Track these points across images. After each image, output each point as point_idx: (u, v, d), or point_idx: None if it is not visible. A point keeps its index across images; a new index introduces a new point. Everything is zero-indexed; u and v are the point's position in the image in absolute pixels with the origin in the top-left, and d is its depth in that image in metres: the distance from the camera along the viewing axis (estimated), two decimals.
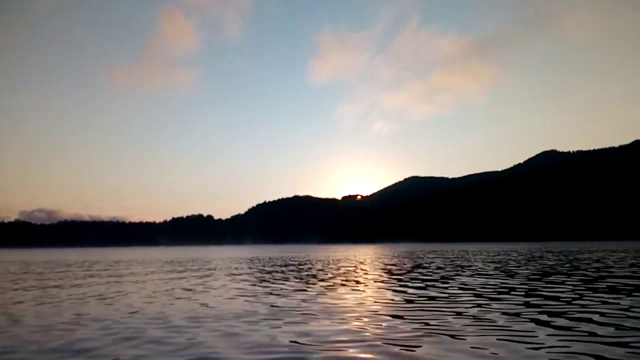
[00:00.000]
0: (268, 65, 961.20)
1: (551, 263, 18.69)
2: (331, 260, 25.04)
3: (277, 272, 15.83)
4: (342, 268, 17.50)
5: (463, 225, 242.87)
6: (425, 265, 18.80)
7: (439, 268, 16.37)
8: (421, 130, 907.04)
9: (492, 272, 13.65)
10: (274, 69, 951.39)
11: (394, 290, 9.09)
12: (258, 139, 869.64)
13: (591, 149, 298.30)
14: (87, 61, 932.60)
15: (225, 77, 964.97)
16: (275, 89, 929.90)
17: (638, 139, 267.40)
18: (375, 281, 11.35)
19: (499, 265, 17.41)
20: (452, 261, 21.73)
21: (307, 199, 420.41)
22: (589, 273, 12.87)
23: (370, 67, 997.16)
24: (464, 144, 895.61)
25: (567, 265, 17.19)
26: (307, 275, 14.00)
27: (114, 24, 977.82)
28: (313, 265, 20.42)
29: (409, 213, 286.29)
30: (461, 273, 13.60)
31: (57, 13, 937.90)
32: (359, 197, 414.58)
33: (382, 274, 14.10)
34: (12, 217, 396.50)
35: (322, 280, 12.01)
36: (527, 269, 14.86)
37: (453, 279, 11.46)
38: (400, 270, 15.78)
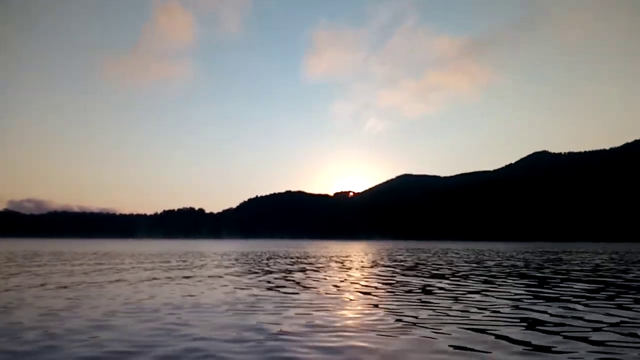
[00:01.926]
0: (264, 60, 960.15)
1: (519, 264, 18.18)
2: (308, 256, 24.41)
3: (240, 266, 15.14)
4: (311, 263, 16.89)
5: (453, 224, 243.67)
6: (392, 264, 18.19)
7: (406, 267, 15.77)
8: (414, 129, 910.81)
9: (433, 272, 13.05)
10: (270, 64, 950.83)
11: (332, 285, 8.55)
12: (252, 134, 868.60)
13: (582, 150, 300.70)
14: (80, 52, 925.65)
15: (220, 71, 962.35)
16: (271, 85, 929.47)
17: (629, 141, 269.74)
18: (325, 278, 10.74)
19: (457, 266, 16.84)
20: (425, 259, 21.23)
21: (299, 195, 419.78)
22: (535, 274, 12.31)
23: (365, 64, 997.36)
24: (457, 143, 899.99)
25: (533, 265, 16.68)
26: (269, 269, 13.35)
27: (108, 14, 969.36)
28: (281, 260, 19.80)
29: (400, 211, 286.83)
30: (417, 272, 13.03)
31: (51, 3, 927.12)
32: (351, 193, 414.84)
33: (342, 269, 13.49)
34: (1, 207, 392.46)
35: (276, 275, 11.37)
36: (484, 270, 14.24)
37: (398, 277, 10.86)
38: (365, 266, 15.19)
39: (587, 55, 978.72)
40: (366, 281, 10.12)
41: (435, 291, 8.24)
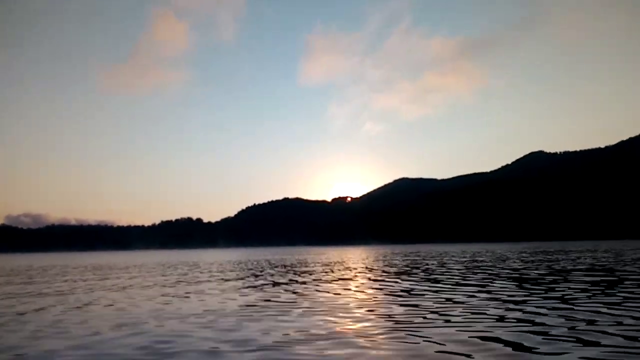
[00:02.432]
0: (259, 66, 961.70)
1: (516, 265, 18.35)
2: (300, 264, 24.52)
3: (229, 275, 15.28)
4: (300, 271, 17.03)
5: (452, 227, 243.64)
6: (386, 269, 18.33)
7: (393, 272, 15.92)
8: (411, 131, 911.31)
9: (417, 274, 13.22)
10: (266, 69, 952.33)
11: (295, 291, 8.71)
12: (248, 141, 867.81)
13: (578, 149, 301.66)
14: (76, 62, 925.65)
15: (216, 78, 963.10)
16: (266, 90, 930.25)
17: (624, 139, 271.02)
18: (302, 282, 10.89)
19: (447, 267, 17.00)
20: (419, 262, 21.37)
21: (297, 201, 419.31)
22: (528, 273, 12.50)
23: (360, 68, 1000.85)
24: (454, 145, 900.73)
25: (532, 264, 16.86)
26: (259, 281, 13.52)
27: (104, 23, 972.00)
28: (272, 269, 19.92)
29: (398, 215, 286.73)
30: (404, 275, 13.21)
31: (46, 12, 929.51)
32: (348, 198, 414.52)
33: (329, 276, 13.64)
34: None
35: (252, 283, 11.53)
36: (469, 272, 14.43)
37: (382, 281, 11.07)
38: (354, 273, 15.34)
39: (582, 55, 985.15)
40: (347, 288, 10.28)
41: (416, 297, 8.42)
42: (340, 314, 6.49)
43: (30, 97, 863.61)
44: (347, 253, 49.00)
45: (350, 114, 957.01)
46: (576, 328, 5.07)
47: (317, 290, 9.81)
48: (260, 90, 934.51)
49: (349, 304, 7.54)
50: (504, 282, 10.51)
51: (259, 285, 11.46)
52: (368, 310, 6.81)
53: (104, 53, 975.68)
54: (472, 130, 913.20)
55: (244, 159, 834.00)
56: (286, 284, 11.83)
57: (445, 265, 19.08)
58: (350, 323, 5.76)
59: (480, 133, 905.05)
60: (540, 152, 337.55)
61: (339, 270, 17.62)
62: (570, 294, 8.04)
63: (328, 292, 9.41)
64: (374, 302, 7.73)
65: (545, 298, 7.66)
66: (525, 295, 8.05)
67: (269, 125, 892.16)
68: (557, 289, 8.97)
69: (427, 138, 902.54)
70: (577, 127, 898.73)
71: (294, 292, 9.55)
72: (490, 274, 13.13)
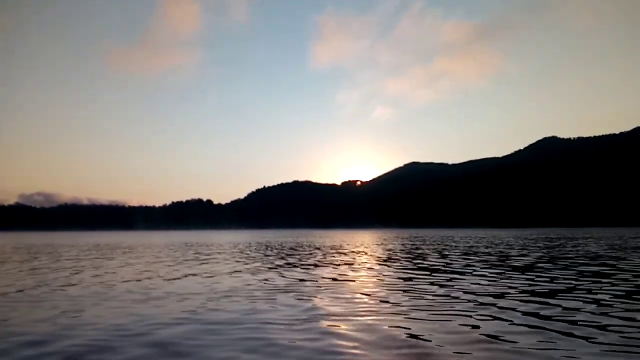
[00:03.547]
0: (271, 48, 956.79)
1: (514, 251, 17.87)
2: (298, 246, 24.30)
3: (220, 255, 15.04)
4: (289, 252, 16.77)
5: (462, 211, 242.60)
6: (383, 254, 17.96)
7: (383, 259, 15.52)
8: (421, 116, 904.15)
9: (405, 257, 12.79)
10: (277, 52, 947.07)
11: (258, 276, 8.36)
12: (258, 124, 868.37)
13: (592, 135, 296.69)
14: (86, 42, 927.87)
15: (227, 60, 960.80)
16: (278, 73, 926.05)
17: (639, 125, 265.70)
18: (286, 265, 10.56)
19: (443, 253, 16.56)
20: (416, 246, 21.00)
21: (307, 184, 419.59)
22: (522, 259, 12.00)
23: (371, 51, 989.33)
24: (465, 130, 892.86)
25: (522, 252, 16.37)
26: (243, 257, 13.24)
27: (115, 3, 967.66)
28: (267, 251, 19.69)
29: (408, 199, 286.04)
30: (392, 259, 12.81)
31: None
32: (358, 182, 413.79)
33: (322, 261, 13.30)
34: (12, 201, 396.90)
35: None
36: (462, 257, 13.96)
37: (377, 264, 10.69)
38: (348, 256, 15.00)
39: (595, 39, 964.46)
40: (328, 273, 9.89)
41: (399, 283, 8.00)
42: (335, 296, 6.33)
43: (41, 78, 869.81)
44: (354, 236, 48.79)
45: (361, 98, 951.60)
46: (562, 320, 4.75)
47: (320, 273, 9.40)
48: (271, 73, 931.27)
49: (344, 287, 7.35)
50: (496, 269, 10.02)
51: (273, 266, 11.08)
52: (361, 294, 6.61)
53: (115, 33, 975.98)
54: (484, 115, 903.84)
55: (255, 142, 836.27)
56: (294, 265, 11.48)
57: (443, 251, 18.66)
58: (345, 306, 5.58)
59: (492, 118, 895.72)
60: (554, 138, 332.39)
61: (343, 253, 17.31)
62: (564, 283, 7.54)
63: (327, 275, 9.13)
64: (365, 287, 7.42)
65: (531, 285, 7.34)
66: (513, 283, 7.70)
67: (280, 108, 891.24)
68: (545, 275, 8.47)
69: (438, 123, 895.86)
70: (592, 113, 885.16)
71: (299, 274, 9.28)
72: (485, 260, 12.64)
